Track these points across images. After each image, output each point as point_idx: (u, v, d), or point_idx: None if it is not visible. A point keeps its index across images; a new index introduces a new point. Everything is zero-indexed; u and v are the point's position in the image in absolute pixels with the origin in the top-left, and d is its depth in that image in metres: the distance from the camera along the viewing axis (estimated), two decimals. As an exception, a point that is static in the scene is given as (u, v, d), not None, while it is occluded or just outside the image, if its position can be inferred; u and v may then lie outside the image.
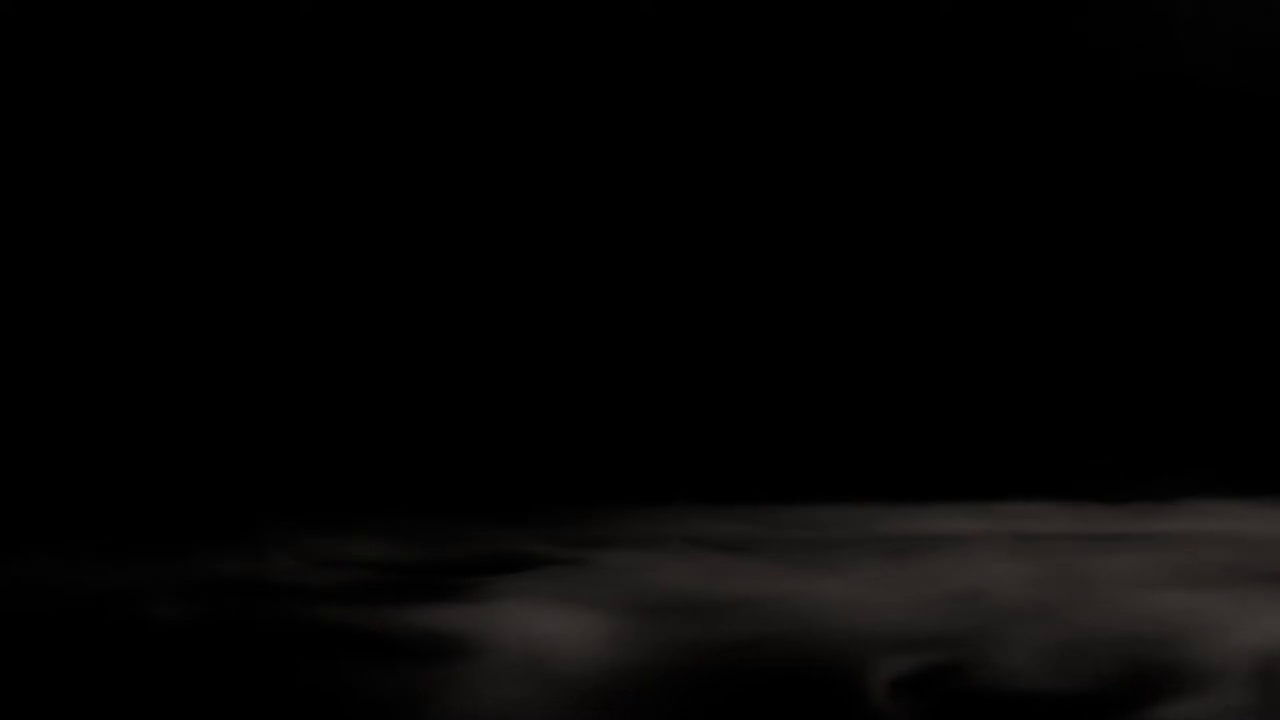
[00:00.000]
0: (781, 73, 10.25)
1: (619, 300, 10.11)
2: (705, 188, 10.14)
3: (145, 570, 7.65)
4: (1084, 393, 10.22)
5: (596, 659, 6.26)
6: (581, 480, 9.47)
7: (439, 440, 9.81)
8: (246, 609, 7.05)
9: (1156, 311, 10.32)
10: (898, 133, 10.24)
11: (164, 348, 9.84)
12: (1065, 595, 6.94)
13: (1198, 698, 5.51)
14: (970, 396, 10.14)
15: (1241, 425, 10.15)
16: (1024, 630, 6.36)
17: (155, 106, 9.93)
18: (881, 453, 9.91)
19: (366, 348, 9.97)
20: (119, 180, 9.90)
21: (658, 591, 7.26)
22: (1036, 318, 10.30)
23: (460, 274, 10.06)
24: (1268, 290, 10.32)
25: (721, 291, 10.15)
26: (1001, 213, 10.26)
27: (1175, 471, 9.67)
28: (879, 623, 6.71)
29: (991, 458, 9.70)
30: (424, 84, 10.05)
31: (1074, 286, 10.28)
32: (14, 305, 9.75)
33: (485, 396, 9.97)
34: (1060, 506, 9.20)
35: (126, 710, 5.75)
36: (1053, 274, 10.29)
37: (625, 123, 10.07)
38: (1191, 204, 10.37)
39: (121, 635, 6.66)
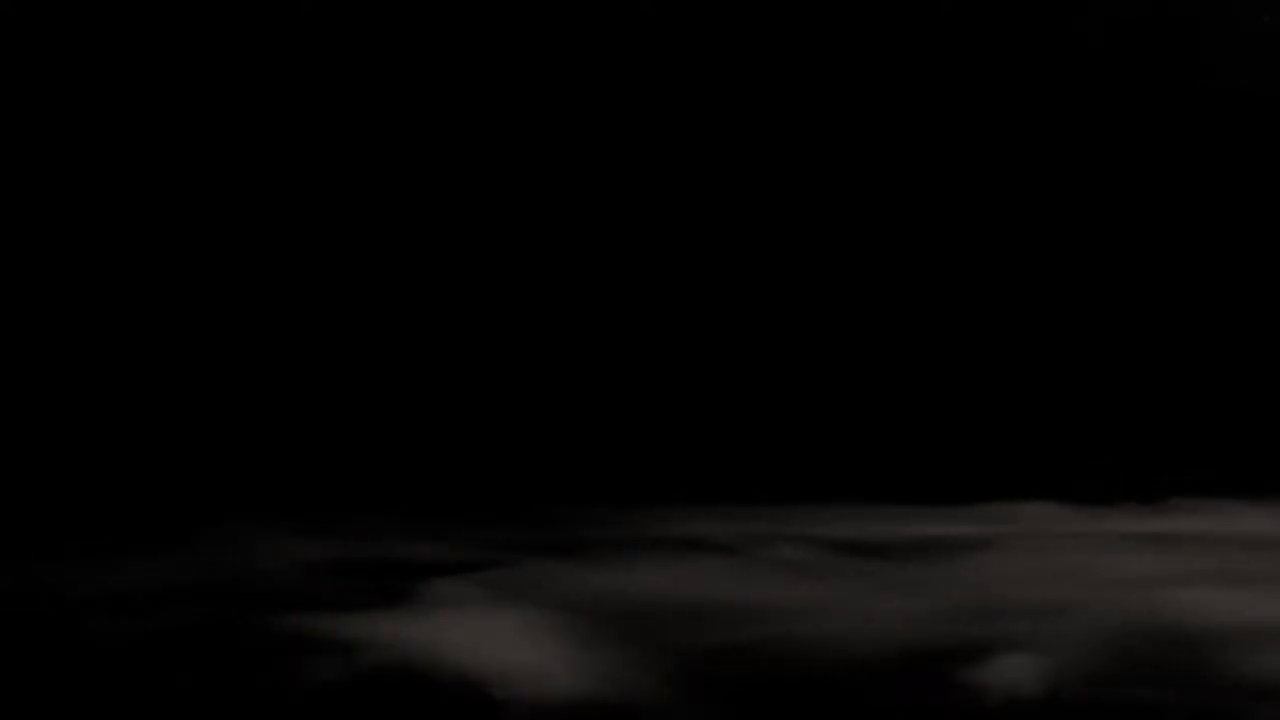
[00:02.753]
0: (781, 72, 10.24)
1: (617, 303, 10.10)
2: (707, 189, 10.12)
3: (91, 575, 7.62)
4: (1087, 397, 10.21)
5: (580, 668, 6.26)
6: (575, 480, 9.45)
7: (403, 443, 9.72)
8: (190, 613, 6.97)
9: (1155, 315, 10.32)
10: (900, 138, 10.23)
11: (103, 357, 9.71)
12: (1082, 597, 6.92)
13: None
14: (972, 401, 10.13)
15: (1243, 426, 10.15)
16: (1044, 632, 6.34)
17: (150, 107, 9.89)
18: (883, 457, 9.90)
19: (328, 346, 9.86)
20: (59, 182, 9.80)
21: (642, 596, 7.22)
22: (1036, 320, 10.30)
23: (432, 273, 9.99)
24: (1265, 294, 10.33)
25: (720, 292, 10.14)
26: (1005, 222, 10.25)
27: (1175, 471, 9.68)
28: (886, 626, 6.69)
29: (994, 461, 9.70)
30: (424, 84, 10.02)
31: (1075, 292, 10.27)
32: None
33: (456, 400, 9.89)
34: (1063, 508, 9.21)
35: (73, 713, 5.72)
36: (1054, 279, 10.28)
37: (640, 127, 10.02)
38: (1191, 207, 10.37)
39: (68, 640, 6.60)
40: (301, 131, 9.95)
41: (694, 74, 10.12)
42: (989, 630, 6.51)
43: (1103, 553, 8.18)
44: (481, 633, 6.57)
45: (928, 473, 9.74)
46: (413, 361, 9.97)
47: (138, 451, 9.56)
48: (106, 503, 9.07)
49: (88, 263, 9.79)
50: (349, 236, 9.93)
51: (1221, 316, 10.30)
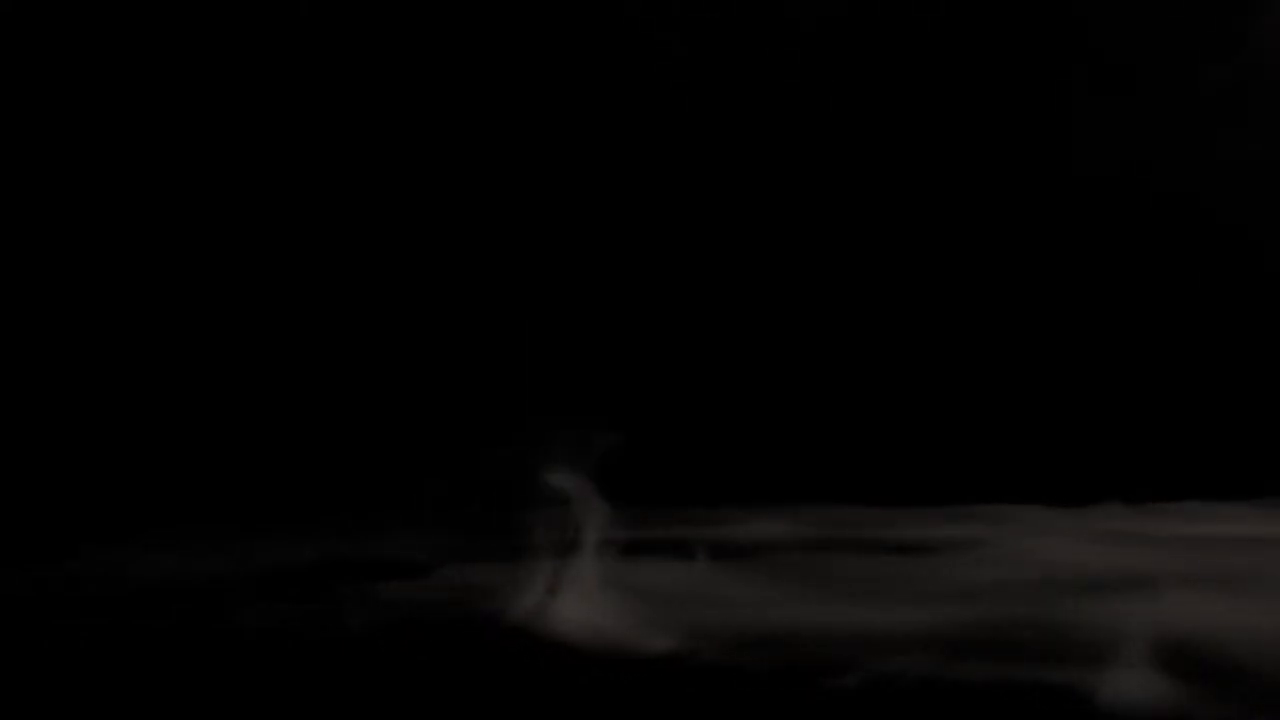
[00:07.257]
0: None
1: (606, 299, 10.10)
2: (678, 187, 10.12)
3: (88, 575, 7.61)
4: (1086, 400, 10.23)
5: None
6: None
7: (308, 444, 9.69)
8: (181, 611, 6.98)
9: (1150, 319, 10.33)
10: (900, 146, 10.24)
11: (93, 364, 9.69)
12: (1080, 598, 6.93)
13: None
14: (971, 403, 10.15)
15: (1238, 428, 10.17)
16: (1043, 633, 6.34)
17: (148, 107, 9.89)
18: (876, 458, 9.92)
19: (304, 356, 9.85)
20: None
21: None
22: (1031, 320, 10.32)
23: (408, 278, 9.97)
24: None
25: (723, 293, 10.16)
26: (1000, 236, 10.26)
27: (1171, 472, 9.70)
28: (879, 624, 6.70)
29: (994, 463, 9.72)
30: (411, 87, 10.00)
31: (1071, 299, 10.28)
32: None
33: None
34: (1064, 509, 9.23)
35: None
36: (1049, 289, 10.30)
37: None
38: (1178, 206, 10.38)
39: (66, 639, 6.60)
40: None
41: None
42: (988, 630, 6.53)
43: (1100, 553, 8.19)
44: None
45: (922, 474, 9.77)
46: (406, 363, 9.97)
47: (130, 456, 9.58)
48: (101, 504, 9.09)
49: (88, 277, 9.82)
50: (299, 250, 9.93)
51: (1217, 317, 10.33)
